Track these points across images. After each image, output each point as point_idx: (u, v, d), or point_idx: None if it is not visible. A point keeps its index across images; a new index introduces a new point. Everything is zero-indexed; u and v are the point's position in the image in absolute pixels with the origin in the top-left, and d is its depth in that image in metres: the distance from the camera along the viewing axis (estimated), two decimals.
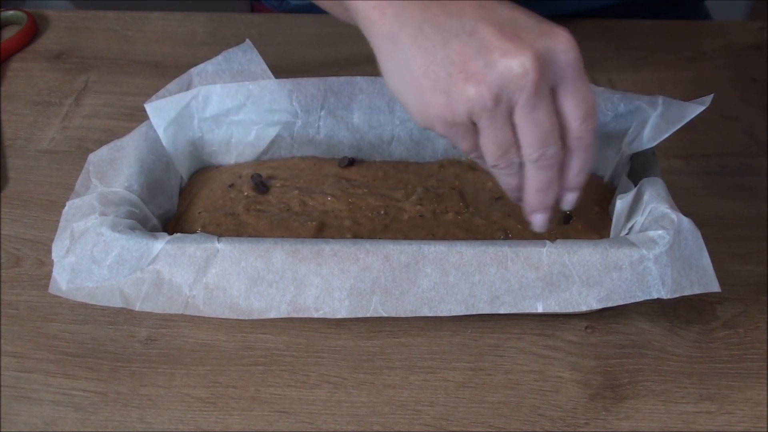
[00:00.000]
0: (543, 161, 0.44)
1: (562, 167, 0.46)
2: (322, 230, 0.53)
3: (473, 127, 0.43)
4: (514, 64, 0.40)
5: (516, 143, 0.44)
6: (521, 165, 0.45)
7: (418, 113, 0.44)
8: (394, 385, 0.50)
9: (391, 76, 0.45)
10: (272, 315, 0.46)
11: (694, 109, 0.52)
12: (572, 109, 0.43)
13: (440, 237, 0.53)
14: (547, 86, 0.42)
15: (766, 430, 0.47)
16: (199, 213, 0.55)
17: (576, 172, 0.46)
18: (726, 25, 0.77)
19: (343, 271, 0.46)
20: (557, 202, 0.48)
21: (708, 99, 0.52)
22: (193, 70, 0.57)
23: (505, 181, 0.47)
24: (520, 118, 0.42)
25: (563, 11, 0.75)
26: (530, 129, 0.43)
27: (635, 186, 0.51)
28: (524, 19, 0.42)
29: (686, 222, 0.47)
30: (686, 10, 0.83)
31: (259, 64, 0.57)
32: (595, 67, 0.71)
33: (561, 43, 0.41)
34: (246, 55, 0.58)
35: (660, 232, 0.46)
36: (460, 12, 0.42)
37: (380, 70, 0.45)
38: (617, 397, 0.49)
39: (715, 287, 0.46)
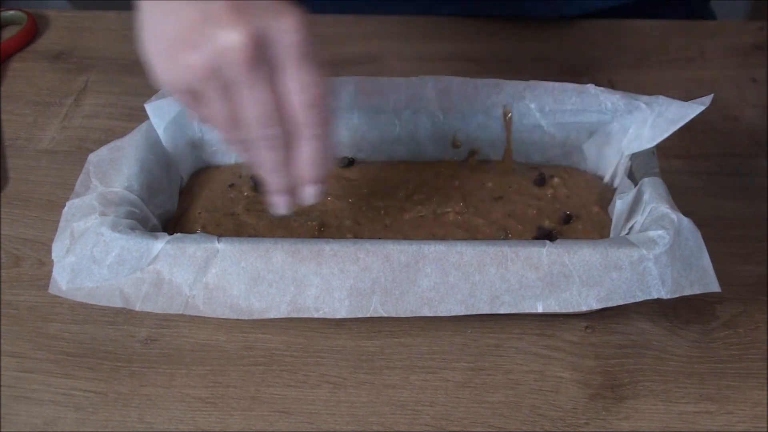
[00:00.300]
0: (265, 141, 0.44)
1: (293, 157, 0.45)
2: (322, 230, 0.53)
3: (198, 96, 0.43)
4: (226, 38, 0.40)
5: (241, 120, 0.43)
6: (251, 143, 0.45)
7: (154, 75, 0.44)
8: (394, 385, 0.50)
9: (141, 36, 0.45)
10: (272, 315, 0.46)
11: (694, 109, 0.52)
12: (295, 95, 0.43)
13: (440, 237, 0.53)
14: (263, 65, 0.41)
15: (766, 430, 0.47)
16: (199, 213, 0.55)
17: (307, 162, 0.45)
18: (726, 25, 0.77)
19: (343, 271, 0.46)
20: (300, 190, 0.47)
21: (708, 99, 0.52)
22: None
23: (245, 158, 0.47)
24: (238, 95, 0.42)
25: (572, 11, 0.75)
26: (248, 106, 0.42)
27: (635, 186, 0.51)
28: None
29: (686, 222, 0.47)
30: (692, 10, 0.83)
31: None
32: (595, 67, 0.71)
33: (285, 23, 0.41)
34: None
35: (660, 232, 0.46)
36: None
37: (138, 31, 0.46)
38: (617, 397, 0.49)
39: (715, 287, 0.46)
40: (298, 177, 0.46)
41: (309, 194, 0.47)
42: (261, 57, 0.41)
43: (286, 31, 0.41)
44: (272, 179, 0.47)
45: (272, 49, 0.41)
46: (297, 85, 0.42)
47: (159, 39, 0.43)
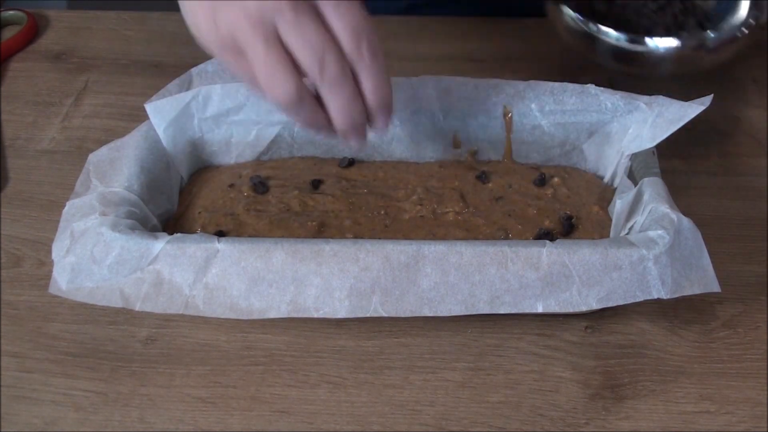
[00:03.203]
0: (328, 75, 0.43)
1: (356, 90, 0.45)
2: (322, 230, 0.53)
3: (243, 54, 0.43)
4: None
5: (290, 68, 0.43)
6: (304, 96, 0.44)
7: (197, 36, 0.45)
8: (394, 385, 0.50)
9: (182, 6, 0.45)
10: (272, 315, 0.46)
11: (694, 109, 0.52)
12: (341, 30, 0.43)
13: (440, 237, 0.53)
14: (304, 5, 0.42)
15: (766, 430, 0.47)
16: (199, 213, 0.55)
17: (372, 89, 0.45)
18: None
19: (343, 271, 0.46)
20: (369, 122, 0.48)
21: (708, 99, 0.52)
22: (193, 70, 0.57)
23: (300, 116, 0.46)
24: (288, 38, 0.42)
25: None
26: (300, 45, 0.42)
27: (635, 186, 0.51)
28: None
29: (686, 222, 0.47)
30: None
31: None
32: (595, 66, 0.71)
33: None
34: None
35: (660, 232, 0.46)
36: None
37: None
38: (617, 397, 0.49)
39: (715, 287, 0.46)
40: (367, 109, 0.46)
41: (381, 121, 0.47)
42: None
43: None
44: (344, 119, 0.46)
45: None
46: (342, 20, 0.43)
47: (195, 1, 0.43)
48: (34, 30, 0.77)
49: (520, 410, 0.48)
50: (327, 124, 0.47)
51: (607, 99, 0.55)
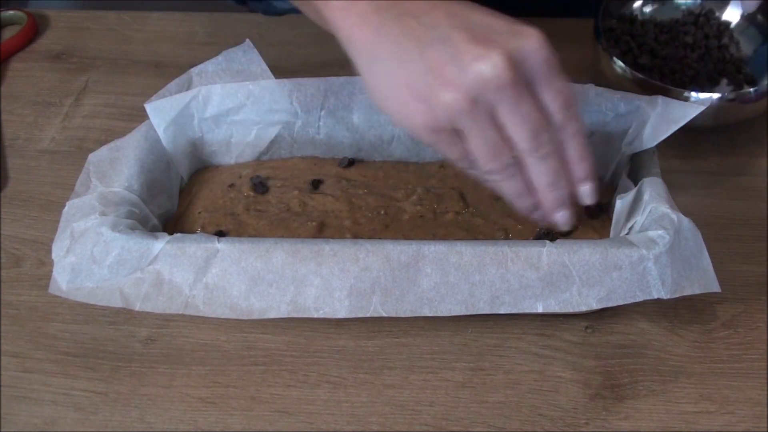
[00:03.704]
0: (541, 150, 0.45)
1: (563, 162, 0.46)
2: (322, 230, 0.53)
3: (458, 135, 0.44)
4: (485, 66, 0.41)
5: (506, 144, 0.44)
6: (517, 166, 0.45)
7: (404, 124, 0.45)
8: (394, 385, 0.50)
9: (375, 91, 0.46)
10: (272, 315, 0.46)
11: (695, 109, 0.52)
12: (551, 102, 0.44)
13: (440, 237, 0.53)
14: (523, 83, 0.43)
15: (766, 430, 0.47)
16: (199, 213, 0.55)
17: (577, 160, 0.47)
18: None
19: (343, 271, 0.46)
20: (574, 198, 0.48)
21: (708, 99, 0.52)
22: (193, 70, 0.57)
23: (508, 187, 0.47)
24: (506, 117, 0.43)
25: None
26: (518, 122, 0.43)
27: (635, 186, 0.51)
28: (495, 22, 0.43)
29: (686, 222, 0.47)
30: None
31: (259, 64, 0.57)
32: (596, 67, 0.71)
33: (532, 42, 0.42)
34: (246, 55, 0.58)
35: (660, 232, 0.46)
36: (433, 22, 0.43)
37: (364, 86, 0.46)
38: (617, 397, 0.49)
39: (715, 287, 0.46)
40: (572, 181, 0.47)
41: (587, 193, 0.48)
42: (521, 76, 0.42)
43: (536, 48, 0.42)
44: (552, 195, 0.47)
45: (527, 66, 0.42)
46: (552, 93, 0.44)
47: (405, 88, 0.44)
48: (34, 30, 0.77)
49: (520, 410, 0.48)
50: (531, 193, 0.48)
51: (607, 99, 0.55)
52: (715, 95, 0.58)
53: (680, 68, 0.64)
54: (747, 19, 0.66)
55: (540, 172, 0.46)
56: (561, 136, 0.45)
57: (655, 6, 0.69)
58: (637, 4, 0.69)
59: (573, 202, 0.48)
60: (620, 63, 0.61)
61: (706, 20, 0.67)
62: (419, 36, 0.43)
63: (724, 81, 0.62)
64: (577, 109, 0.45)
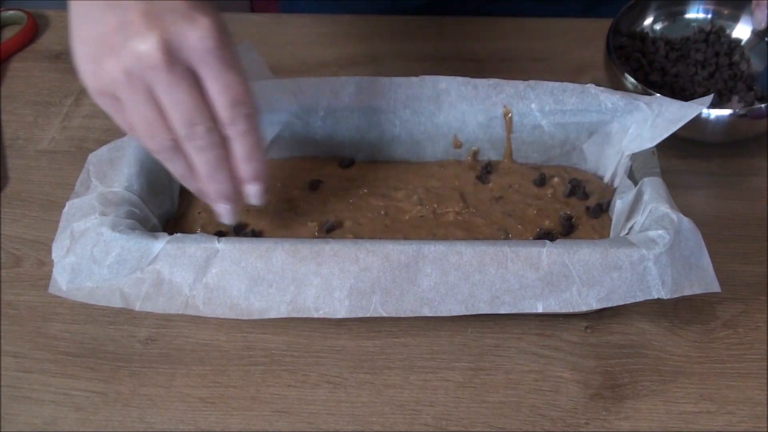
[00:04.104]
0: (195, 141, 0.45)
1: (229, 158, 0.46)
2: (323, 230, 0.53)
3: (121, 103, 0.44)
4: (140, 44, 0.42)
5: (163, 125, 0.44)
6: (177, 150, 0.45)
7: (83, 82, 0.45)
8: (394, 385, 0.50)
9: (72, 45, 0.45)
10: (272, 315, 0.46)
11: (694, 109, 0.52)
12: (217, 95, 0.44)
13: (440, 237, 0.53)
14: (179, 68, 0.42)
15: (766, 430, 0.47)
16: (199, 213, 0.55)
17: (243, 159, 0.46)
18: None
19: (343, 271, 0.46)
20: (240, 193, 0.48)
21: (708, 99, 0.52)
22: None
23: (172, 167, 0.47)
24: (161, 97, 0.43)
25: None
26: (172, 107, 0.43)
27: (635, 186, 0.51)
28: (178, 3, 0.43)
29: (686, 222, 0.47)
30: None
31: (259, 64, 0.57)
32: (595, 67, 0.71)
33: (199, 29, 0.42)
34: (246, 55, 0.57)
35: (660, 232, 0.46)
36: None
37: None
38: (617, 397, 0.49)
39: (715, 287, 0.46)
40: (236, 179, 0.47)
41: (252, 193, 0.48)
42: (175, 61, 0.42)
43: (200, 37, 0.42)
44: (211, 186, 0.47)
45: (187, 54, 0.42)
46: (217, 86, 0.44)
47: (83, 43, 0.44)
48: (34, 30, 0.77)
49: (520, 410, 0.48)
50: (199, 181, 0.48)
51: (607, 99, 0.55)
52: (727, 111, 0.59)
53: (691, 85, 0.64)
54: (758, 35, 0.67)
55: (197, 162, 0.46)
56: (227, 132, 0.45)
57: (666, 23, 0.69)
58: (647, 22, 0.69)
59: (239, 197, 0.48)
60: (631, 79, 0.61)
61: (717, 38, 0.67)
62: None
63: (735, 98, 0.63)
64: (251, 107, 0.45)
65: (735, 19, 0.68)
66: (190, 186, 0.49)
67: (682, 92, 0.64)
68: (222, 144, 0.45)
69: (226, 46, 0.43)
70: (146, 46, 0.41)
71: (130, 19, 0.42)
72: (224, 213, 0.49)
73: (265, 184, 0.48)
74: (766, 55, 0.66)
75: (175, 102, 0.43)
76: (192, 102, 0.43)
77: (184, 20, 0.42)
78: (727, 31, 0.68)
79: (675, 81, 0.65)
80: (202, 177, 0.47)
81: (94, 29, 0.43)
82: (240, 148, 0.46)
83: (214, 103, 0.44)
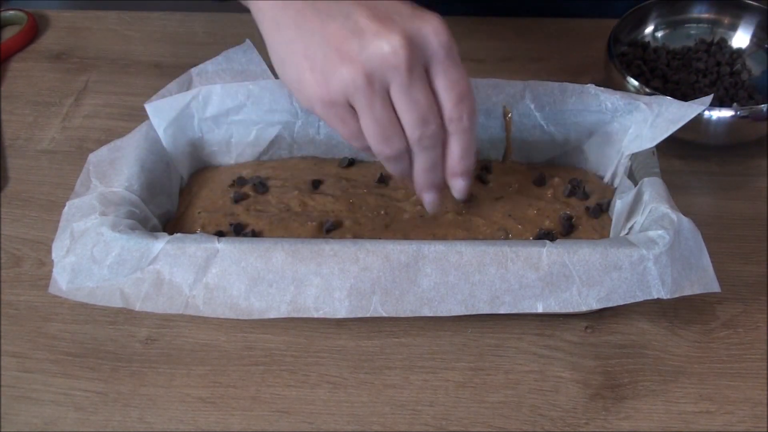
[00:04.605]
0: (425, 141, 0.45)
1: (444, 151, 0.47)
2: (322, 230, 0.53)
3: (351, 111, 0.44)
4: (384, 44, 0.42)
5: (397, 128, 0.44)
6: (408, 151, 0.46)
7: (299, 93, 0.45)
8: (394, 385, 0.50)
9: (276, 59, 0.46)
10: (272, 315, 0.46)
11: (694, 109, 0.52)
12: (445, 91, 0.44)
13: (440, 237, 0.53)
14: (419, 66, 0.43)
15: (766, 430, 0.47)
16: (199, 213, 0.55)
17: (458, 156, 0.47)
18: None
19: (343, 271, 0.46)
20: (448, 188, 0.49)
21: (708, 99, 0.52)
22: (193, 70, 0.57)
23: (395, 168, 0.48)
24: (397, 98, 0.43)
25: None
26: (408, 107, 0.44)
27: (635, 186, 0.51)
28: (398, 4, 0.43)
29: (686, 222, 0.47)
30: None
31: (259, 64, 0.57)
32: (595, 67, 0.71)
33: (432, 26, 0.43)
34: (246, 55, 0.58)
35: (660, 232, 0.46)
36: None
37: (270, 55, 0.47)
38: (617, 397, 0.49)
39: (715, 287, 0.46)
40: (447, 172, 0.48)
41: (459, 188, 0.49)
42: (417, 58, 0.42)
43: (435, 33, 0.43)
44: (424, 177, 0.48)
45: (423, 51, 0.43)
46: (446, 82, 0.44)
47: (298, 55, 0.44)
48: (34, 30, 0.77)
49: (520, 410, 0.48)
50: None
51: (607, 99, 0.55)
52: (728, 112, 0.59)
53: (692, 93, 0.64)
54: (757, 42, 0.68)
55: (418, 158, 0.46)
56: (449, 128, 0.45)
57: (667, 31, 0.70)
58: (648, 30, 0.70)
59: (444, 188, 0.49)
60: (634, 82, 0.61)
61: (718, 49, 0.68)
62: (322, 8, 0.43)
63: (736, 106, 0.63)
64: (473, 108, 0.45)
65: (734, 28, 0.69)
66: (396, 172, 0.49)
67: (683, 99, 0.64)
68: (440, 142, 0.46)
69: (455, 43, 0.43)
70: (390, 47, 0.41)
71: (361, 24, 0.42)
72: (429, 201, 0.50)
73: (471, 180, 0.49)
74: (763, 61, 0.67)
75: (413, 101, 0.43)
76: (427, 101, 0.44)
77: (415, 18, 0.42)
78: (729, 42, 0.68)
79: (676, 88, 0.65)
80: (419, 171, 0.47)
81: (312, 40, 0.43)
82: (457, 144, 0.46)
83: (442, 98, 0.44)
